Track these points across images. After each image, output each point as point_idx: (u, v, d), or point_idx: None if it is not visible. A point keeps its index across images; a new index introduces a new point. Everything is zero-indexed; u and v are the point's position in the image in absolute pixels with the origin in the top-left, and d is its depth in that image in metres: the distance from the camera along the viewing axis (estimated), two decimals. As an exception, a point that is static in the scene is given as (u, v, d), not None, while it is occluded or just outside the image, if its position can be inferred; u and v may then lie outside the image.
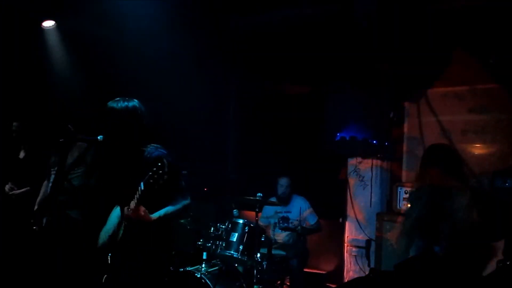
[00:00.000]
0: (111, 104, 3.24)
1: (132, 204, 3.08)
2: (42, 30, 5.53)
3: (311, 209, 5.82)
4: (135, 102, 3.27)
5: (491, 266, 3.38)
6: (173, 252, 4.54)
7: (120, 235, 3.22)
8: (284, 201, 5.80)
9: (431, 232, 3.45)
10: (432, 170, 3.59)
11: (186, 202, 3.31)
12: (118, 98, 3.27)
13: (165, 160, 2.93)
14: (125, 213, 3.16)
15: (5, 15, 4.93)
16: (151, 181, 2.91)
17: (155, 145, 3.31)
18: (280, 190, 5.81)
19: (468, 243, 3.34)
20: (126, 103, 3.23)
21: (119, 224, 3.29)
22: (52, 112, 5.17)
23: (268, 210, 5.89)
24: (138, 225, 3.14)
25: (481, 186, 5.06)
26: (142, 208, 3.08)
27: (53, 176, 4.49)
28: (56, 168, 4.41)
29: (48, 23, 5.50)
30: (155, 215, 3.16)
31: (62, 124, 4.55)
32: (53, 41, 5.64)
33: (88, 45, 5.68)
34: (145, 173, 2.99)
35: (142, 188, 2.99)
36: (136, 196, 3.05)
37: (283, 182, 5.81)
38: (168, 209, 3.23)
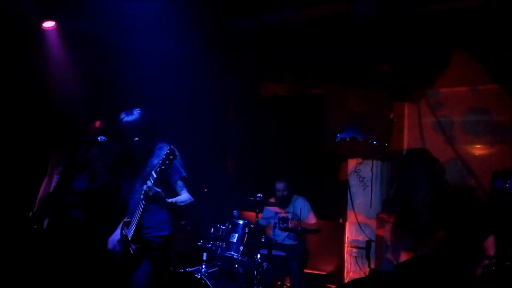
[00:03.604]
0: (123, 116, 3.51)
1: (150, 182, 3.28)
2: (42, 31, 5.54)
3: (310, 210, 5.82)
4: (145, 113, 3.54)
5: (482, 267, 3.40)
6: (173, 253, 4.58)
7: (131, 233, 3.39)
8: (283, 203, 5.79)
9: (422, 233, 3.48)
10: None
11: (191, 198, 3.61)
12: (135, 109, 3.55)
13: (174, 149, 3.27)
14: (143, 189, 3.31)
15: (5, 16, 4.94)
16: (163, 167, 3.21)
17: (162, 144, 3.47)
18: (278, 194, 5.81)
19: (459, 243, 3.36)
20: (138, 115, 3.51)
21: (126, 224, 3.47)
22: (53, 113, 5.18)
23: (268, 210, 5.90)
24: (154, 204, 3.39)
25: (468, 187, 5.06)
26: (157, 189, 3.30)
27: (56, 176, 4.49)
28: (59, 168, 4.42)
29: (49, 24, 5.50)
30: (169, 200, 3.44)
31: (63, 125, 4.55)
32: (54, 41, 5.64)
33: (89, 46, 5.69)
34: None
35: (155, 176, 3.25)
36: (150, 179, 3.28)
37: (280, 186, 5.79)
38: (179, 198, 3.53)
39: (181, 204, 3.50)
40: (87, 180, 4.42)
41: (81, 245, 4.28)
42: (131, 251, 3.35)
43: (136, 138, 3.47)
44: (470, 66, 5.51)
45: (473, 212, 3.44)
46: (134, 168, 3.61)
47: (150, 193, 3.26)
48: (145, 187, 3.28)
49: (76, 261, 4.27)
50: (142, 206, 3.35)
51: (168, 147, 3.24)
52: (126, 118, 3.50)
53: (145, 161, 3.55)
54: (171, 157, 3.20)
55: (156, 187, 3.29)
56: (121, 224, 3.52)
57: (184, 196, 3.55)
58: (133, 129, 3.47)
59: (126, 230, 3.44)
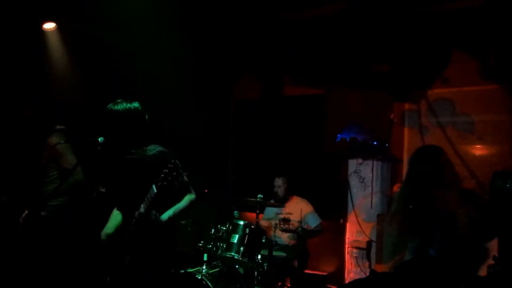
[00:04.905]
0: (112, 106, 3.29)
1: (142, 208, 3.09)
2: (42, 32, 5.55)
3: (313, 211, 5.81)
4: (136, 104, 3.32)
5: (485, 268, 3.39)
6: (174, 254, 4.57)
7: (127, 239, 3.23)
8: (280, 201, 5.80)
9: (424, 234, 3.46)
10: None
11: (191, 197, 3.38)
12: (119, 100, 3.32)
13: (177, 161, 2.98)
14: (135, 216, 3.14)
15: (5, 17, 4.94)
16: (165, 183, 2.94)
17: (154, 145, 3.34)
18: (276, 190, 5.85)
19: (461, 244, 3.35)
20: (127, 105, 3.28)
21: (122, 228, 3.32)
22: (52, 114, 5.17)
23: (269, 211, 5.90)
24: (147, 229, 3.16)
25: (473, 189, 5.04)
26: (153, 212, 3.11)
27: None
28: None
29: (49, 25, 5.51)
30: (164, 217, 3.20)
31: (53, 125, 4.50)
32: (54, 43, 5.65)
33: (89, 47, 5.69)
34: (147, 170, 3.08)
35: (155, 191, 3.00)
36: (147, 198, 3.06)
37: (277, 182, 5.85)
38: (176, 207, 3.29)
39: (180, 212, 3.29)
40: (55, 179, 4.36)
41: (52, 246, 4.24)
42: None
43: (116, 126, 3.23)
44: (470, 66, 5.50)
45: (474, 213, 3.43)
46: (127, 168, 3.35)
47: (142, 221, 3.09)
48: (136, 213, 3.10)
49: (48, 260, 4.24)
50: (134, 228, 3.17)
51: (171, 161, 2.98)
52: (123, 105, 3.27)
53: (137, 163, 3.29)
54: (174, 173, 2.93)
55: (154, 204, 3.08)
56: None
57: (181, 204, 3.32)
58: (130, 120, 3.25)
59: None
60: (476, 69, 5.46)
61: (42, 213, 4.24)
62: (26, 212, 4.33)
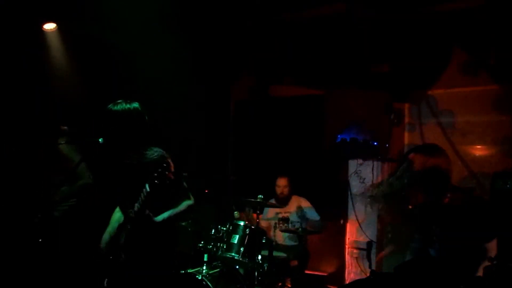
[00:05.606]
0: (112, 106, 3.29)
1: (136, 207, 3.11)
2: (43, 33, 5.55)
3: (312, 207, 5.81)
4: (135, 105, 3.33)
5: (483, 268, 3.39)
6: (174, 254, 4.57)
7: (123, 239, 3.24)
8: (282, 202, 5.80)
9: (425, 234, 3.47)
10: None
11: (190, 202, 3.38)
12: (119, 101, 3.32)
13: (169, 160, 3.02)
14: (129, 216, 3.16)
15: (5, 17, 4.94)
16: (156, 181, 2.98)
17: (155, 148, 3.34)
18: (278, 190, 5.82)
19: (461, 245, 3.35)
20: (126, 106, 3.29)
21: (120, 227, 3.31)
22: (48, 114, 5.18)
23: (268, 211, 5.90)
24: (142, 229, 3.17)
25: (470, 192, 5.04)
26: (146, 211, 3.12)
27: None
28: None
29: (49, 26, 5.51)
30: (158, 218, 3.20)
31: (54, 126, 4.50)
32: (54, 43, 5.65)
33: (89, 47, 5.69)
34: (147, 174, 3.06)
35: (148, 189, 3.03)
36: (141, 197, 3.09)
37: (281, 183, 5.82)
38: (172, 211, 3.29)
39: (176, 216, 3.29)
40: (63, 178, 4.36)
41: (59, 244, 4.25)
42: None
43: (116, 127, 3.23)
44: (470, 67, 5.50)
45: (474, 213, 3.43)
46: (125, 170, 3.35)
47: (135, 217, 3.10)
48: (129, 211, 3.12)
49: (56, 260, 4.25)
50: (129, 227, 3.18)
51: (164, 160, 3.03)
52: (123, 105, 3.27)
53: (137, 167, 3.27)
54: (167, 172, 2.98)
55: (148, 203, 3.09)
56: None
57: (179, 208, 3.32)
58: (130, 121, 3.25)
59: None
60: (476, 69, 5.46)
61: (55, 214, 4.27)
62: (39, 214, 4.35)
